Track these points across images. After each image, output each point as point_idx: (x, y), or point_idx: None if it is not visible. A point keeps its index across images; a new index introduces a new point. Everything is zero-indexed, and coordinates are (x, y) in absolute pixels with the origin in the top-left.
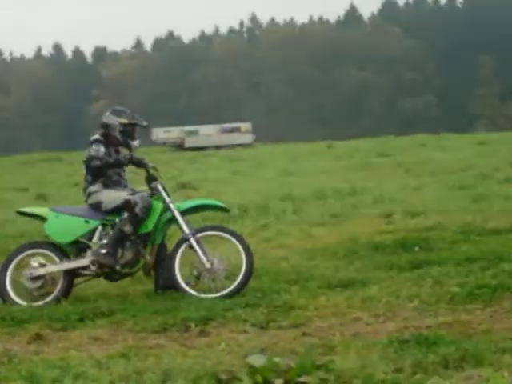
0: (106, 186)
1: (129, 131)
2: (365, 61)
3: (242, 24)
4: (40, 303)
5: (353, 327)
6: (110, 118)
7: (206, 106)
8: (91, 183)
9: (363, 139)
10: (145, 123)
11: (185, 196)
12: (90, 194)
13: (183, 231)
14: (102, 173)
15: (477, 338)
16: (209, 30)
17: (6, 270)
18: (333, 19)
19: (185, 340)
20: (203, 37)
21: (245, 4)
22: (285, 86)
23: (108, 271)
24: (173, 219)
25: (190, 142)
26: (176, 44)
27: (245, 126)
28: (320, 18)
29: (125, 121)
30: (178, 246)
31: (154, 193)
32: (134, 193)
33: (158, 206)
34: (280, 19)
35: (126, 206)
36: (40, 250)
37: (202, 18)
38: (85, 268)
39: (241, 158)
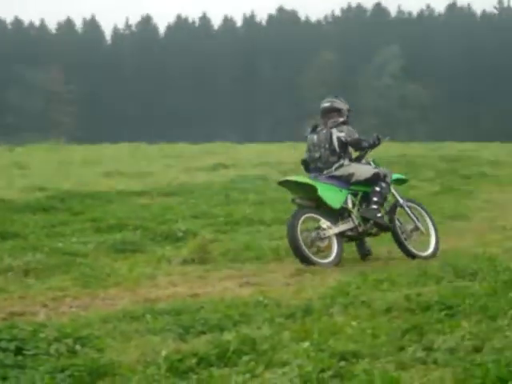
0: (351, 160)
1: (348, 117)
2: None
3: None
4: (325, 261)
5: None
6: (340, 104)
7: None
8: (341, 157)
9: None
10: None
11: None
12: (341, 166)
13: (397, 199)
14: (348, 150)
15: None
16: None
17: (296, 228)
18: None
19: None
20: None
21: None
22: None
23: (374, 232)
24: None
25: None
26: None
27: None
28: None
29: (348, 107)
30: (393, 211)
31: None
32: (375, 166)
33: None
34: None
35: (378, 177)
36: (313, 214)
37: None
38: (350, 230)
39: None
